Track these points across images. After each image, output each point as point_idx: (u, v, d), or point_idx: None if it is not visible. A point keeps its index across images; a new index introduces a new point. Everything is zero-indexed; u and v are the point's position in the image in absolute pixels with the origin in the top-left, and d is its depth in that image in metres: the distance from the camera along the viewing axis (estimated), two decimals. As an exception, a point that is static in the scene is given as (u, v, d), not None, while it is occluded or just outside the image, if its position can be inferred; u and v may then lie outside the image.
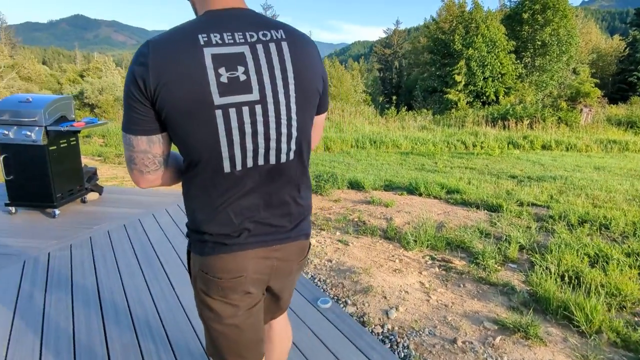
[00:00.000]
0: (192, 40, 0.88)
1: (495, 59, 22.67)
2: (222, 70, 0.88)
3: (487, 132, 14.11)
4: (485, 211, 5.01)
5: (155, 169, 0.99)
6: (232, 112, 0.90)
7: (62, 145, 3.58)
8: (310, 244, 1.20)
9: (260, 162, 0.98)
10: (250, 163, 0.97)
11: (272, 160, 0.99)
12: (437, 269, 3.36)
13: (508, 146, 12.18)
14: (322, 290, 2.90)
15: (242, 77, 0.90)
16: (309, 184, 1.12)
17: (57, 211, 3.57)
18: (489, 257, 3.42)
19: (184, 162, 1.00)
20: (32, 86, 34.94)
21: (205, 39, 0.88)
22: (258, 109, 0.93)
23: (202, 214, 1.00)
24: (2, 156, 3.38)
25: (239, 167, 0.96)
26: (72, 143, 3.73)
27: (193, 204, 1.02)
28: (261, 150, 0.96)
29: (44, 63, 73.23)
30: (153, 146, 0.95)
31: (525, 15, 23.42)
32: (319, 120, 1.14)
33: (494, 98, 22.97)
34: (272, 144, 0.97)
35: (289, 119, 0.97)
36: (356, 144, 12.41)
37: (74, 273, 2.64)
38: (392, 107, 21.92)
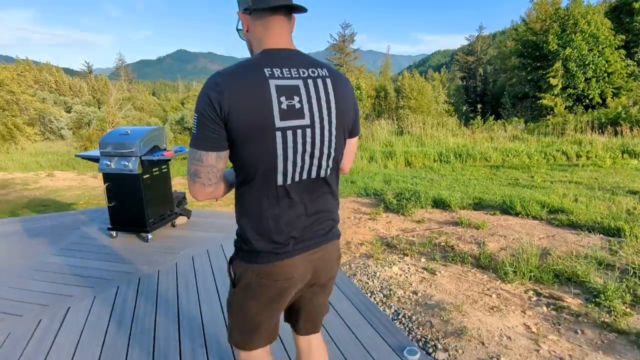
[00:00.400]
0: (260, 72, 1.05)
1: (598, 57, 20.08)
2: (282, 99, 1.06)
3: (593, 140, 12.37)
4: (601, 235, 4.24)
5: (216, 182, 1.13)
6: (289, 133, 1.08)
7: (154, 173, 3.79)
8: (337, 241, 1.33)
9: (305, 176, 1.15)
10: (297, 177, 1.13)
11: (314, 174, 1.17)
12: (544, 308, 2.84)
13: (622, 155, 10.51)
14: (407, 330, 2.59)
15: (297, 105, 1.08)
16: (337, 192, 1.29)
17: (149, 235, 3.76)
18: (614, 296, 2.80)
19: (237, 178, 1.16)
20: (143, 115, 39.52)
21: (270, 72, 1.06)
22: (308, 132, 1.11)
23: (255, 224, 1.14)
24: (106, 184, 3.67)
25: (289, 180, 1.12)
26: (163, 170, 3.94)
27: (247, 215, 1.15)
28: (307, 166, 1.14)
29: (153, 94, 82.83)
30: (220, 161, 1.10)
31: (637, 5, 20.47)
32: (352, 143, 1.31)
33: (600, 101, 20.27)
34: (316, 162, 1.15)
35: (330, 141, 1.16)
36: (439, 158, 11.71)
37: (159, 300, 2.69)
38: (478, 117, 20.49)
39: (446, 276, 3.43)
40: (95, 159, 3.73)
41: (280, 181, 1.11)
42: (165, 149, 3.86)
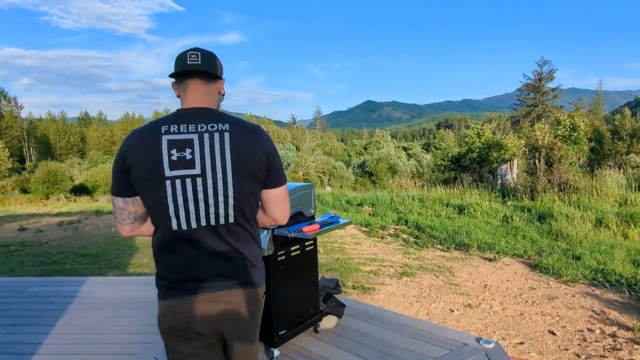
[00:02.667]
0: (156, 129, 1.18)
1: None
2: (173, 151, 1.17)
3: None
4: None
5: (130, 222, 1.28)
6: (178, 182, 1.17)
7: (293, 254, 2.43)
8: (258, 292, 1.30)
9: (203, 222, 1.20)
10: (194, 223, 1.19)
11: (213, 221, 1.20)
12: None
13: None
14: None
15: (189, 157, 1.17)
16: (254, 238, 1.30)
17: (275, 352, 2.35)
18: None
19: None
20: (330, 159, 42.06)
21: (166, 128, 1.18)
22: (199, 180, 1.18)
23: (160, 265, 1.23)
24: None
25: (184, 226, 1.19)
26: (307, 249, 2.55)
27: (156, 257, 1.25)
28: (202, 213, 1.19)
29: (341, 140, 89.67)
30: (127, 205, 1.24)
31: None
32: (274, 194, 1.30)
33: None
34: (212, 209, 1.19)
35: (226, 189, 1.19)
36: None
37: None
38: None
39: None
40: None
41: (174, 226, 1.19)
42: (312, 217, 2.49)
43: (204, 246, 1.19)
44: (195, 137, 1.17)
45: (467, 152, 16.40)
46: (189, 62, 1.21)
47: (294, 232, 2.18)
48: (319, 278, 2.66)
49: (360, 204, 12.32)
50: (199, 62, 1.23)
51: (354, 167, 37.31)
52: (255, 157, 1.21)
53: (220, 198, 1.17)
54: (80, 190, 30.19)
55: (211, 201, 1.17)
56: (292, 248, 2.41)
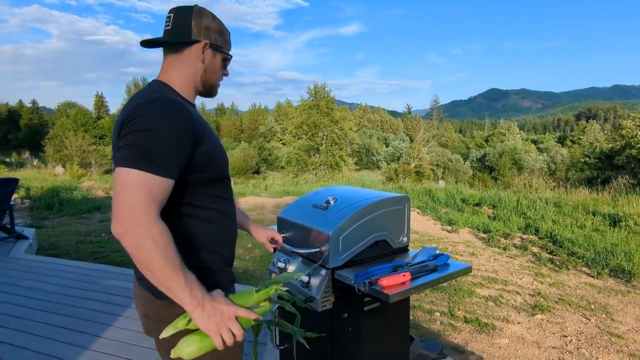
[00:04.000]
0: None
1: None
2: None
3: None
4: None
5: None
6: None
7: (366, 308, 1.53)
8: (155, 301, 1.02)
9: None
10: None
11: None
12: None
13: None
14: None
15: None
16: None
17: None
18: None
19: None
20: (446, 151, 38.83)
21: None
22: None
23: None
24: (276, 306, 1.71)
25: None
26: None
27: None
28: None
29: (459, 132, 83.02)
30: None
31: None
32: (115, 177, 0.90)
33: None
34: None
35: None
36: None
37: None
38: None
39: None
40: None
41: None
42: (403, 250, 1.54)
43: None
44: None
45: (623, 147, 12.96)
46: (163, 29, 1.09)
47: (366, 283, 1.28)
48: (411, 344, 1.71)
49: (478, 204, 10.54)
50: (169, 27, 1.08)
51: (473, 160, 33.70)
52: (118, 132, 0.96)
53: None
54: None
55: None
56: (366, 299, 1.51)
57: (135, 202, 0.82)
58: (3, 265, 3.99)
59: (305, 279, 1.42)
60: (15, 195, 9.50)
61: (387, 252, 1.54)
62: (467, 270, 1.40)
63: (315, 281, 1.41)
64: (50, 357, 2.36)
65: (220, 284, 1.00)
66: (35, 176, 15.83)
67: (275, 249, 1.67)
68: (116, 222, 0.82)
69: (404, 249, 1.59)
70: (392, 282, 1.22)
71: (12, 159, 30.77)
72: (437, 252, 1.45)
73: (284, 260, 1.59)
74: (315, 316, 1.40)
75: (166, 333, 0.92)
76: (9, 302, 3.21)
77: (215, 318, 0.86)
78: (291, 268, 1.57)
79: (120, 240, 0.82)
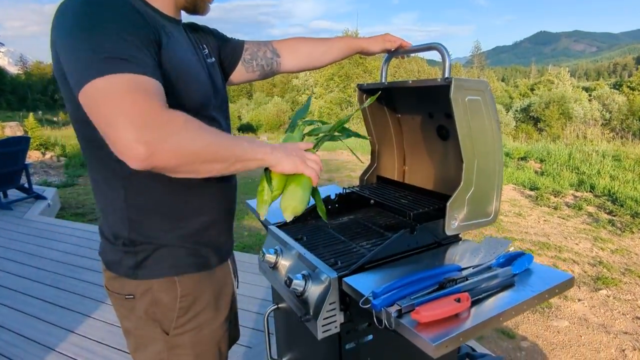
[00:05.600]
0: None
1: None
2: None
3: None
4: None
5: None
6: None
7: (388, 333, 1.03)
8: (109, 272, 0.86)
9: None
10: None
11: None
12: None
13: None
14: None
15: None
16: (102, 188, 0.82)
17: None
18: None
19: None
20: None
21: None
22: None
23: None
24: (272, 307, 1.22)
25: None
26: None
27: None
28: None
29: (502, 80, 77.18)
30: None
31: None
32: (84, 104, 0.65)
33: None
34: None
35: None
36: None
37: None
38: None
39: None
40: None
41: None
42: (455, 240, 0.99)
43: None
44: None
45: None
46: None
47: (391, 312, 0.74)
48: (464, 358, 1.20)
49: (523, 158, 9.54)
50: None
51: (516, 111, 31.18)
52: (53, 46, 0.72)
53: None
54: (247, 128, 33.49)
55: None
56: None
57: (136, 108, 0.58)
58: (14, 228, 3.84)
59: (299, 286, 0.91)
60: (51, 153, 9.62)
61: (426, 244, 0.99)
62: (567, 285, 0.82)
63: (313, 291, 0.90)
64: (28, 342, 2.08)
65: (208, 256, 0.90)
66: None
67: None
68: (129, 147, 0.57)
69: (454, 241, 1.03)
70: (437, 314, 0.68)
71: (60, 118, 31.99)
72: (511, 248, 0.88)
73: (274, 251, 1.08)
74: (316, 342, 0.91)
75: (264, 211, 0.85)
76: (3, 269, 3.01)
77: (293, 153, 0.81)
78: (284, 262, 1.07)
79: (151, 162, 0.58)
